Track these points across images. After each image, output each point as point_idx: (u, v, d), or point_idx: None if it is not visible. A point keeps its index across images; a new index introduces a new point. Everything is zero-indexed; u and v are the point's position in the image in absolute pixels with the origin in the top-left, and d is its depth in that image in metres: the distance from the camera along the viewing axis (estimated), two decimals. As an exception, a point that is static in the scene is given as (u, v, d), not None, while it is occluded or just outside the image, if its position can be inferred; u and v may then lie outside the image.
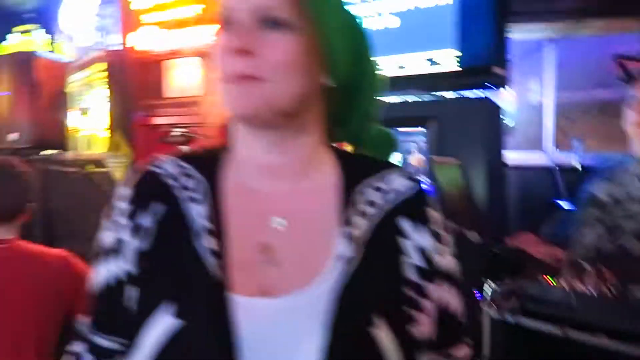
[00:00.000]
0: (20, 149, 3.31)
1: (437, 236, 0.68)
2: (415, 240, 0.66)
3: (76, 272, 1.43)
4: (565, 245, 2.06)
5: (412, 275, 0.64)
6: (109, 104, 3.35)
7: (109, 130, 3.38)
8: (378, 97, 0.74)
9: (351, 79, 0.69)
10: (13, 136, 3.04)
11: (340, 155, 0.72)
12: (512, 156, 2.30)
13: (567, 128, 2.53)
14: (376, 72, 0.73)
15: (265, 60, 0.60)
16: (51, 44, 4.29)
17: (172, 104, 3.11)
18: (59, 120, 3.05)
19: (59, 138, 3.11)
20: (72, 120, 3.42)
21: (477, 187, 1.82)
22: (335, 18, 0.65)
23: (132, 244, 0.65)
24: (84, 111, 3.66)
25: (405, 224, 0.67)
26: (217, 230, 0.63)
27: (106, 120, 3.42)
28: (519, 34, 2.11)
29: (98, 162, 3.56)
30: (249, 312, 0.58)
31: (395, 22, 2.04)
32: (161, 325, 0.58)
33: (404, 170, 0.73)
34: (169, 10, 2.89)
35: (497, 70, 1.75)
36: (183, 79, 3.07)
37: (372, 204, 0.67)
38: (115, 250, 0.66)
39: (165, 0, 2.88)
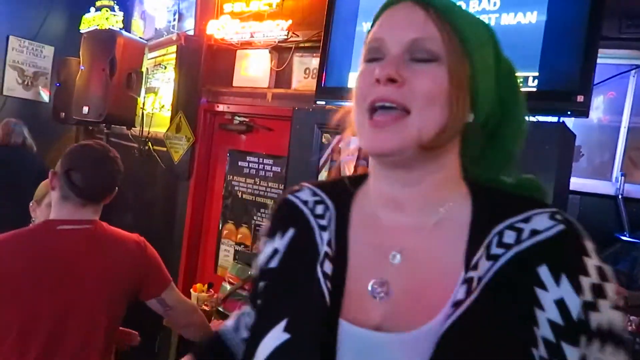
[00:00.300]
0: (90, 122, 3.47)
1: (592, 288, 0.56)
2: (555, 292, 0.56)
3: (149, 257, 1.48)
4: (625, 281, 2.01)
5: (547, 333, 0.55)
6: (175, 86, 3.47)
7: (172, 111, 3.50)
8: (521, 139, 0.70)
9: (495, 117, 0.67)
10: (85, 109, 3.19)
11: (479, 193, 0.67)
12: (576, 181, 2.25)
13: (638, 158, 2.45)
14: (522, 113, 0.70)
15: (413, 90, 0.60)
16: (122, 21, 4.46)
17: (238, 93, 3.19)
18: (130, 98, 3.17)
19: (127, 115, 3.24)
20: (141, 98, 3.55)
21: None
22: (486, 54, 0.65)
23: (265, 262, 0.73)
24: (151, 91, 3.80)
25: (543, 271, 0.57)
26: (337, 257, 0.65)
27: (170, 102, 3.55)
28: (601, 58, 2.05)
29: (159, 141, 3.71)
30: (351, 340, 0.59)
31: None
32: (272, 335, 0.62)
33: (554, 209, 0.62)
34: (249, 1, 2.95)
35: (579, 97, 1.71)
36: (252, 70, 3.14)
37: (506, 246, 0.59)
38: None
39: (246, -8, 2.94)
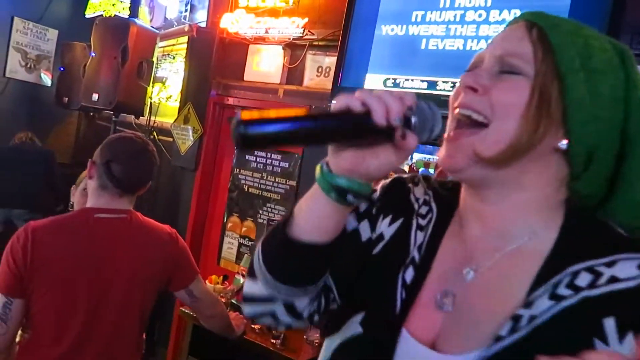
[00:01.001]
0: (99, 109, 3.47)
1: None
2: (616, 349, 0.52)
3: (180, 248, 1.52)
4: None
5: None
6: (185, 77, 3.48)
7: (181, 102, 3.51)
8: None
9: (608, 149, 0.60)
10: (94, 96, 3.18)
11: (576, 227, 0.62)
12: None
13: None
14: None
15: (491, 100, 0.60)
16: (129, 8, 4.44)
17: (249, 87, 3.21)
18: (140, 87, 3.17)
19: (137, 104, 3.24)
20: (150, 88, 3.55)
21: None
22: (597, 81, 0.59)
23: (359, 230, 0.73)
24: (158, 80, 3.80)
25: (609, 324, 0.52)
26: (422, 264, 0.66)
27: (179, 92, 3.55)
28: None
29: (164, 131, 3.71)
30: (407, 352, 0.61)
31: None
32: (352, 323, 0.66)
33: None
34: (266, -2, 2.97)
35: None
36: (264, 65, 3.16)
37: (576, 288, 0.56)
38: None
39: (264, -12, 2.96)
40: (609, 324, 0.52)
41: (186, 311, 2.36)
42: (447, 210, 0.70)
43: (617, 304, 0.53)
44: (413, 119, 0.57)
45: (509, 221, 0.63)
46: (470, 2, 2.17)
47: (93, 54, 3.20)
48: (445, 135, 0.63)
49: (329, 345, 0.69)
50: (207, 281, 2.55)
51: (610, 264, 0.56)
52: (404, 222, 0.70)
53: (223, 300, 2.22)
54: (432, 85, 2.24)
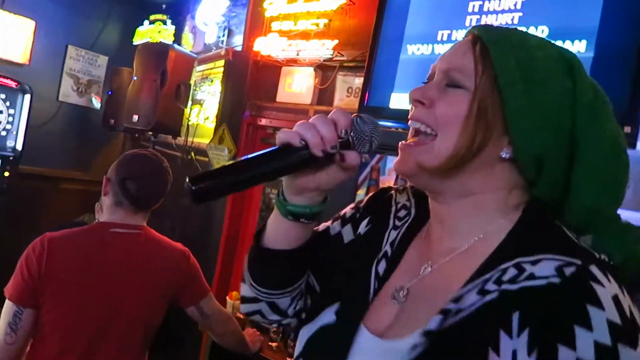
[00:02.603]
0: (139, 130, 3.62)
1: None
2: (515, 342, 0.52)
3: (191, 266, 1.54)
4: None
5: None
6: (220, 98, 3.58)
7: (216, 123, 3.61)
8: (609, 195, 0.62)
9: (556, 156, 0.61)
10: (135, 117, 3.33)
11: (527, 229, 0.63)
12: (621, 214, 2.20)
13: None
14: (605, 161, 0.61)
15: (435, 112, 0.65)
16: (173, 35, 4.65)
17: (281, 108, 3.27)
18: (178, 108, 3.29)
19: (174, 124, 3.36)
20: (187, 109, 3.67)
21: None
22: (537, 91, 0.61)
23: (342, 234, 0.82)
24: (197, 102, 3.93)
25: (515, 318, 0.53)
26: (393, 259, 0.72)
27: (215, 114, 3.66)
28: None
29: (201, 151, 3.82)
30: (360, 340, 0.66)
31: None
32: (326, 313, 0.72)
33: (578, 261, 0.54)
34: (297, 20, 3.03)
35: (627, 128, 1.69)
36: (296, 86, 3.21)
37: (500, 283, 0.57)
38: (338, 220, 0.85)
39: (296, 11, 3.03)
40: (515, 317, 0.54)
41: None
42: (424, 215, 0.74)
43: (525, 299, 0.54)
44: (350, 138, 0.63)
45: (461, 222, 0.68)
46: (496, 20, 2.14)
47: (135, 78, 3.35)
48: (400, 144, 0.69)
49: (304, 334, 0.74)
50: (227, 297, 2.56)
51: (535, 262, 0.57)
52: (381, 222, 0.77)
53: (241, 316, 2.22)
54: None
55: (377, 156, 2.56)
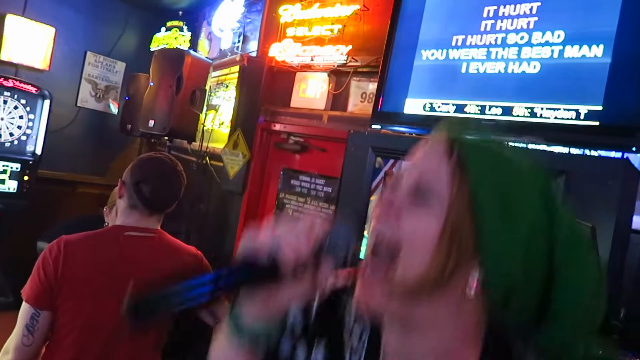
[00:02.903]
0: (155, 135, 3.66)
1: None
2: None
3: (204, 269, 1.55)
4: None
5: None
6: (235, 104, 3.62)
7: (231, 128, 3.65)
8: (588, 324, 0.58)
9: (531, 278, 0.56)
10: (151, 122, 3.37)
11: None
12: (639, 221, 2.16)
13: None
14: (586, 289, 0.57)
15: (402, 227, 0.57)
16: (190, 41, 4.71)
17: (294, 113, 3.29)
18: (193, 113, 3.33)
19: (189, 129, 3.40)
20: (202, 115, 3.71)
21: (601, 252, 1.73)
22: (515, 214, 0.56)
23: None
24: (212, 108, 3.98)
25: None
26: None
27: (229, 119, 3.70)
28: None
29: (215, 156, 3.85)
30: None
31: (534, 69, 2.01)
32: None
33: None
34: (312, 26, 3.05)
35: (644, 135, 1.66)
36: (310, 92, 3.23)
37: None
38: None
39: (311, 17, 3.05)
40: None
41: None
42: (379, 331, 0.66)
43: None
44: (324, 251, 0.56)
45: (425, 356, 0.61)
46: (512, 25, 2.13)
47: (151, 84, 3.40)
48: (361, 271, 0.61)
49: None
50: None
51: None
52: (337, 344, 0.67)
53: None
54: (459, 108, 2.20)
55: (391, 161, 2.55)
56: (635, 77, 1.75)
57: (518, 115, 2.00)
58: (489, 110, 2.11)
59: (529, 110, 1.99)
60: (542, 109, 1.95)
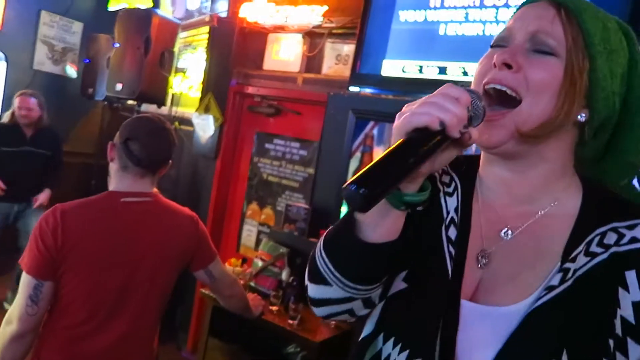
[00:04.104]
0: (123, 99, 3.54)
1: None
2: (636, 295, 0.61)
3: (200, 231, 1.55)
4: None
5: (618, 328, 0.61)
6: (206, 67, 3.53)
7: (202, 92, 3.56)
8: None
9: (611, 119, 0.68)
10: (118, 86, 3.25)
11: (591, 193, 0.70)
12: None
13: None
14: None
15: (527, 78, 0.65)
16: (152, 0, 4.50)
17: (268, 76, 3.24)
18: (163, 77, 3.23)
19: (159, 93, 3.30)
20: (171, 78, 3.61)
21: None
22: (615, 60, 0.66)
23: None
24: (179, 71, 3.86)
25: (631, 275, 0.62)
26: (462, 225, 0.71)
27: (200, 82, 3.61)
28: None
29: (185, 121, 3.77)
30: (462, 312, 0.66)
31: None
32: (395, 283, 0.71)
33: None
34: (285, -14, 2.98)
35: None
36: (283, 54, 3.18)
37: (605, 246, 0.64)
38: None
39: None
40: (631, 275, 0.62)
41: (206, 292, 2.42)
42: (468, 180, 0.75)
43: (637, 259, 0.63)
44: (472, 117, 0.60)
45: (534, 189, 0.70)
46: (489, -13, 2.16)
47: (117, 45, 3.27)
48: (487, 115, 0.65)
49: (376, 308, 0.73)
50: (226, 264, 2.60)
51: (630, 227, 0.65)
52: (432, 190, 0.71)
53: (242, 282, 2.26)
54: (442, 70, 2.24)
55: (371, 123, 2.59)
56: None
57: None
58: (472, 72, 2.16)
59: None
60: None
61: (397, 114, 0.61)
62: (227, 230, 3.54)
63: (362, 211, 0.55)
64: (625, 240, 0.64)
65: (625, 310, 0.61)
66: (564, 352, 0.59)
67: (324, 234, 0.72)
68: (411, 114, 0.58)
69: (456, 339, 0.64)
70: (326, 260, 0.68)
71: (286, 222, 2.70)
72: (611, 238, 0.65)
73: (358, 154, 2.63)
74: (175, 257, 1.48)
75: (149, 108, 3.81)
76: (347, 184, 0.53)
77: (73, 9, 4.62)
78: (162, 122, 1.50)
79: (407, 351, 0.66)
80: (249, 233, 3.37)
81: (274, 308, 2.27)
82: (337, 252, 0.68)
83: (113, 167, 1.45)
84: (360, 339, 0.74)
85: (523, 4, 0.72)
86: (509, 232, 0.70)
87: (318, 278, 0.70)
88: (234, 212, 3.52)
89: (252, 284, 2.46)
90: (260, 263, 2.49)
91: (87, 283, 1.34)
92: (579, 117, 0.66)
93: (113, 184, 1.45)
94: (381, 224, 0.64)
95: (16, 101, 3.46)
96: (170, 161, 1.51)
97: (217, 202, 3.47)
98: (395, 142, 0.59)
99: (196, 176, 3.69)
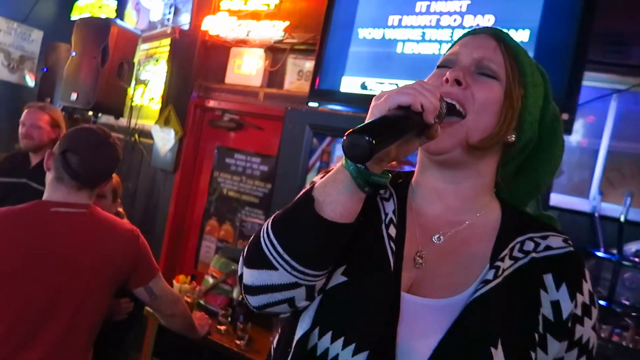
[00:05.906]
0: (78, 109, 3.44)
1: (583, 306, 0.70)
2: (554, 295, 0.70)
3: (140, 246, 1.47)
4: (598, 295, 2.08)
5: (540, 325, 0.69)
6: (166, 79, 3.46)
7: (162, 104, 3.49)
8: (550, 178, 0.83)
9: (531, 142, 0.79)
10: (73, 96, 3.16)
11: (508, 209, 0.80)
12: (555, 197, 2.33)
13: (616, 179, 2.54)
14: (558, 155, 0.82)
15: (473, 95, 0.74)
16: (115, 11, 4.43)
17: (229, 90, 3.20)
18: (121, 87, 3.15)
19: (116, 104, 3.22)
20: (130, 89, 3.53)
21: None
22: (538, 92, 0.79)
23: None
24: (141, 82, 3.78)
25: (548, 278, 0.71)
26: (400, 226, 0.77)
27: (160, 94, 3.54)
28: (585, 81, 2.14)
29: (145, 133, 3.68)
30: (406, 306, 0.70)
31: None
32: (334, 278, 0.72)
33: (566, 236, 0.77)
34: (247, 0, 2.97)
35: (565, 116, 1.78)
36: (245, 68, 3.15)
37: (525, 252, 0.74)
38: None
39: (245, -9, 2.96)
40: (548, 278, 0.71)
41: (151, 311, 2.32)
42: (401, 190, 0.82)
43: (552, 264, 0.72)
44: (439, 114, 0.65)
45: (465, 200, 0.78)
46: (445, 7, 2.19)
47: (73, 54, 3.18)
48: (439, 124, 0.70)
49: (310, 306, 0.72)
50: (174, 281, 2.50)
51: (544, 237, 0.75)
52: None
53: (189, 300, 2.18)
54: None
55: (328, 139, 2.57)
56: (557, 60, 1.87)
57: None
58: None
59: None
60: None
61: (374, 97, 0.66)
62: (186, 246, 3.44)
63: (362, 160, 0.57)
64: (541, 247, 0.74)
65: (546, 309, 0.69)
66: (499, 341, 0.65)
67: (272, 216, 0.72)
68: (397, 93, 0.63)
69: (397, 330, 0.67)
70: (274, 242, 0.67)
71: (240, 239, 2.64)
72: (529, 245, 0.74)
73: (315, 170, 2.60)
74: (112, 274, 1.40)
75: (109, 120, 3.72)
76: (351, 130, 0.56)
77: (33, 17, 4.50)
78: (106, 134, 1.43)
79: (354, 344, 0.66)
80: (208, 249, 3.29)
81: (222, 327, 2.20)
82: (290, 231, 0.67)
83: (49, 176, 1.38)
84: (296, 340, 0.71)
85: (466, 34, 0.82)
86: (441, 237, 0.77)
87: (261, 262, 0.68)
88: (192, 228, 3.43)
89: (201, 301, 2.38)
90: (211, 280, 2.42)
91: (9, 298, 1.25)
92: (509, 137, 0.76)
93: (46, 194, 1.37)
94: (342, 203, 0.65)
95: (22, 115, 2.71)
96: (111, 177, 1.45)
97: (175, 217, 3.38)
98: (374, 118, 0.62)
99: (154, 190, 3.60)
